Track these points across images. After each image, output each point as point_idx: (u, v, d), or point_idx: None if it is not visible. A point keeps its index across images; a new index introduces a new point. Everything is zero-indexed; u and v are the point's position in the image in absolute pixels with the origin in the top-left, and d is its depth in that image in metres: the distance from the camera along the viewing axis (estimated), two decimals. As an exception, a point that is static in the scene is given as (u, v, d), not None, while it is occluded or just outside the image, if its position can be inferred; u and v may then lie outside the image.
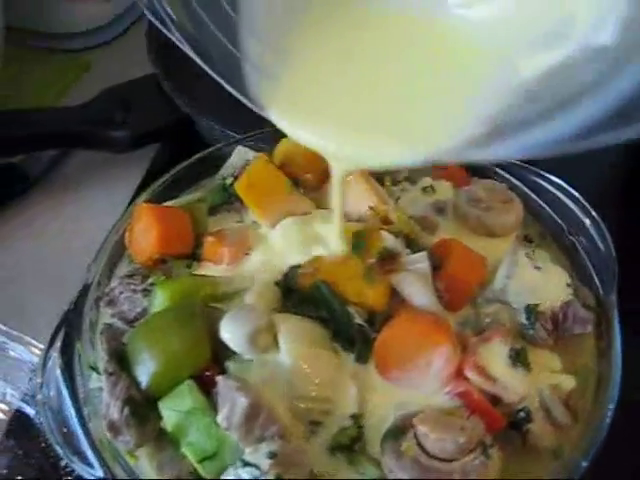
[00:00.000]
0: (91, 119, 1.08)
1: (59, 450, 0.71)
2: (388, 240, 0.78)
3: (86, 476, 0.69)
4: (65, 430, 0.72)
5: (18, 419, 0.90)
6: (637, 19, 0.53)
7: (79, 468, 0.69)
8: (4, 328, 0.90)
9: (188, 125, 1.13)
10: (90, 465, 0.69)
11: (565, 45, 0.59)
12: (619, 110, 0.51)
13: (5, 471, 0.86)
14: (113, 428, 0.69)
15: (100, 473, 0.68)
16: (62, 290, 0.87)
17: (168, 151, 1.18)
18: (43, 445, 0.88)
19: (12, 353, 0.88)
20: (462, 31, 0.69)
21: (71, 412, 0.72)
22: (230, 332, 0.71)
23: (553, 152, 0.52)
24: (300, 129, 0.68)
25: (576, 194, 0.87)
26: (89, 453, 0.70)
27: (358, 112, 0.67)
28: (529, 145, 0.54)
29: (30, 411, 0.90)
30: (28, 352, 0.88)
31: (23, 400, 0.90)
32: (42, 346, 0.83)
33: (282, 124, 0.68)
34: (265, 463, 0.64)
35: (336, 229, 0.77)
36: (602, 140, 0.49)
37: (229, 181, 0.89)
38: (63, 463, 0.86)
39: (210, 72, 0.63)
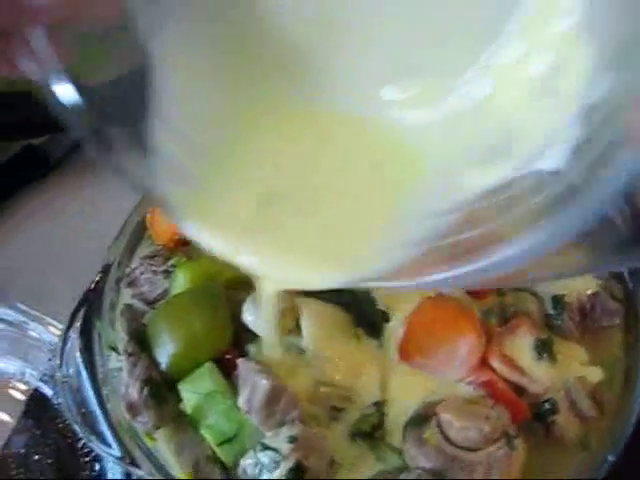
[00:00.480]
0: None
1: (78, 430, 0.70)
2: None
3: (104, 456, 0.68)
4: (84, 410, 0.71)
5: (36, 399, 0.89)
6: (588, 144, 0.45)
7: (97, 448, 0.68)
8: (23, 308, 0.89)
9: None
10: (108, 445, 0.68)
11: (508, 164, 0.50)
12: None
13: (23, 450, 0.85)
14: (132, 408, 0.69)
15: (118, 453, 0.68)
16: (80, 272, 0.86)
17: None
18: (60, 426, 0.88)
19: (32, 333, 0.88)
20: (400, 136, 0.58)
21: (89, 392, 0.72)
22: (252, 315, 0.70)
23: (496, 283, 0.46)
24: (218, 243, 0.55)
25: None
26: (107, 433, 0.69)
27: (283, 228, 0.56)
28: (464, 274, 0.44)
29: (48, 391, 0.89)
30: (47, 332, 0.88)
31: (42, 380, 0.90)
32: (61, 326, 0.83)
33: (198, 236, 0.56)
34: (285, 447, 0.63)
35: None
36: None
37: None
38: (80, 444, 0.85)
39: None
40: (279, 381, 0.66)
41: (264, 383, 0.64)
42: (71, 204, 1.11)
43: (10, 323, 0.88)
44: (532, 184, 0.47)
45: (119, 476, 0.77)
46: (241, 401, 0.65)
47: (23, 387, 0.90)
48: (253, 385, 0.65)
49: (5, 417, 0.88)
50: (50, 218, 1.09)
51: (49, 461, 0.85)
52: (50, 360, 0.88)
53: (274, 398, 0.64)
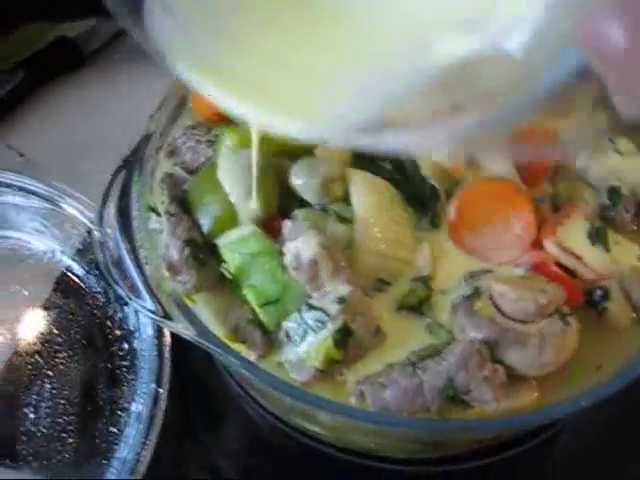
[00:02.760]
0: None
1: (119, 290, 0.67)
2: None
3: (138, 309, 0.66)
4: (119, 269, 0.69)
5: (67, 278, 0.88)
6: (548, 35, 0.46)
7: (131, 300, 0.66)
8: (60, 185, 0.87)
9: None
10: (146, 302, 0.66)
11: (477, 38, 0.52)
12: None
13: (52, 327, 0.84)
14: (172, 268, 0.66)
15: (152, 307, 0.65)
16: (115, 158, 0.84)
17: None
18: (89, 307, 0.86)
19: (67, 208, 0.85)
20: None
21: (125, 253, 0.69)
22: (302, 178, 0.67)
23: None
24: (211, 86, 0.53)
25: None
26: (144, 292, 0.67)
27: (271, 76, 0.53)
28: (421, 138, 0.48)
29: (79, 271, 0.87)
30: (82, 209, 0.85)
31: (73, 259, 0.88)
32: (94, 204, 0.80)
33: (189, 77, 0.54)
34: (333, 308, 0.61)
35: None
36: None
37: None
38: (108, 325, 0.84)
39: None
40: (331, 242, 0.63)
41: (314, 240, 0.62)
42: (105, 96, 1.08)
43: (45, 199, 0.86)
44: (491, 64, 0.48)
45: (149, 342, 0.75)
46: (289, 257, 0.62)
47: (53, 265, 0.88)
48: (303, 241, 0.62)
49: (35, 294, 0.86)
50: (84, 109, 1.07)
51: (77, 337, 0.83)
52: (84, 236, 0.86)
53: (324, 256, 0.62)
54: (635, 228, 0.74)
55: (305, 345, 0.61)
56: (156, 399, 0.71)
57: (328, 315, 0.61)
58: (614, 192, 0.74)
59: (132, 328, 0.80)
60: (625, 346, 0.67)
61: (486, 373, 0.60)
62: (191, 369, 0.82)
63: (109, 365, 0.79)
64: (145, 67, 1.11)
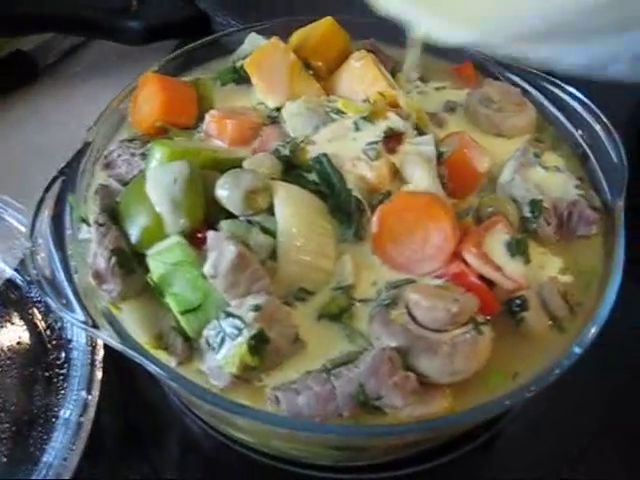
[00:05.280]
0: (106, 6, 1.07)
1: (49, 301, 0.69)
2: (394, 120, 0.76)
3: (68, 319, 0.67)
4: (51, 279, 0.70)
5: (8, 289, 0.89)
6: None
7: (62, 312, 0.67)
8: (2, 197, 0.88)
9: (204, 24, 1.11)
10: (73, 311, 0.67)
11: None
12: None
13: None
14: (98, 276, 0.68)
15: (82, 317, 0.67)
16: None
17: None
18: (30, 317, 0.87)
19: (8, 219, 0.87)
20: None
21: (57, 262, 0.71)
22: (226, 190, 0.69)
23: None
24: None
25: (587, 101, 0.86)
26: (73, 301, 0.68)
27: None
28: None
29: (21, 282, 0.89)
30: (25, 220, 0.86)
31: (16, 269, 0.89)
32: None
33: None
34: (249, 316, 0.63)
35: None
36: None
37: (239, 63, 0.87)
38: (47, 334, 0.85)
39: None
40: (247, 251, 0.65)
41: (231, 249, 0.64)
42: (57, 109, 1.10)
43: (-13, 210, 0.88)
44: None
45: (83, 351, 0.76)
46: (207, 266, 0.64)
47: (-4, 277, 0.89)
48: (220, 250, 0.64)
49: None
50: (37, 121, 1.08)
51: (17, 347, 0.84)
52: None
53: (241, 265, 0.64)
54: (559, 239, 0.76)
55: (223, 352, 0.63)
56: (85, 406, 0.72)
57: (244, 322, 0.62)
58: (535, 205, 0.76)
59: (69, 337, 0.81)
60: (542, 354, 0.68)
61: (396, 380, 0.61)
62: (135, 381, 0.84)
63: (46, 374, 0.81)
64: (98, 81, 1.14)
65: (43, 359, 0.82)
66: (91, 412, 0.72)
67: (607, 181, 0.81)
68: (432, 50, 0.93)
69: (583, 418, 0.85)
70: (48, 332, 0.84)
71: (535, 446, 0.84)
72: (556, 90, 0.89)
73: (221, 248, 0.64)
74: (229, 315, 0.64)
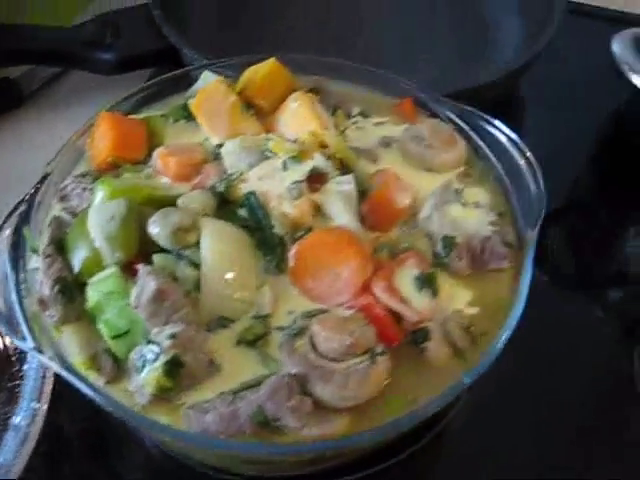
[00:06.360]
0: (81, 40, 1.15)
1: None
2: (318, 160, 0.83)
3: (21, 346, 0.75)
4: (7, 306, 0.78)
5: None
6: None
7: (15, 340, 0.75)
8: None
9: (174, 55, 1.18)
10: (24, 339, 0.75)
11: None
12: None
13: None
14: (42, 302, 0.77)
15: (31, 344, 0.75)
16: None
17: (156, 80, 1.24)
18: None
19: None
20: None
21: (12, 291, 0.79)
22: (156, 227, 0.76)
23: None
24: None
25: (514, 136, 0.90)
26: (23, 326, 0.76)
27: None
28: None
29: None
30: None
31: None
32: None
33: None
34: (166, 343, 0.71)
35: None
36: None
37: (190, 101, 0.94)
38: (12, 348, 0.93)
39: None
40: (167, 285, 0.73)
41: (151, 284, 0.71)
42: (40, 135, 1.18)
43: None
44: None
45: (36, 366, 0.85)
46: (132, 297, 0.72)
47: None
48: (143, 284, 0.72)
49: None
50: (19, 147, 1.17)
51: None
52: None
53: (159, 298, 0.71)
54: (470, 273, 0.82)
55: (143, 374, 0.71)
56: (35, 414, 0.81)
57: (161, 348, 0.70)
58: (447, 241, 0.82)
59: (25, 351, 0.90)
60: (441, 381, 0.75)
61: (293, 403, 0.69)
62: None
63: (8, 384, 0.89)
64: (81, 108, 1.22)
65: (8, 370, 0.91)
66: (40, 420, 0.81)
67: (523, 214, 0.86)
68: (378, 85, 1.02)
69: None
70: (12, 346, 0.93)
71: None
72: (486, 125, 0.94)
73: (143, 282, 0.72)
74: (149, 342, 0.72)
